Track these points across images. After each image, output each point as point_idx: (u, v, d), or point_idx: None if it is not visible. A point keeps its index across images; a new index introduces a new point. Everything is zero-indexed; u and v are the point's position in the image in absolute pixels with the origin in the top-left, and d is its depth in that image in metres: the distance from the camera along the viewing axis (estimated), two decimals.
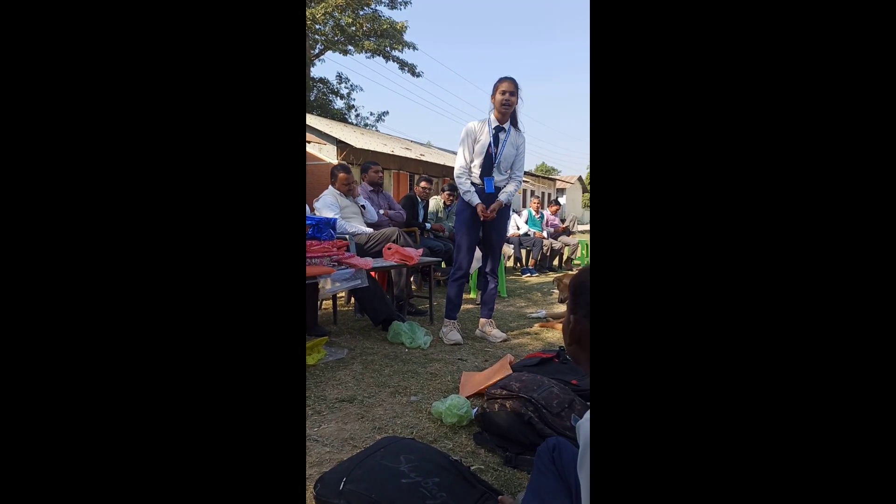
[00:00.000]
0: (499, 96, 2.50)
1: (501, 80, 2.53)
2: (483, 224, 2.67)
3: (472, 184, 2.61)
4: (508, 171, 2.66)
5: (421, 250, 3.04)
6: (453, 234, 3.46)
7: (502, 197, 2.71)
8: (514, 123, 2.63)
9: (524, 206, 11.78)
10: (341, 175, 3.27)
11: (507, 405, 1.43)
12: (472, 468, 1.25)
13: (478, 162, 2.59)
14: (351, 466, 1.04)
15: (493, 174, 2.60)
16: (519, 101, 2.55)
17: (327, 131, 9.97)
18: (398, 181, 11.52)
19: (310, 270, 2.19)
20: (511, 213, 5.52)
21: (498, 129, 2.58)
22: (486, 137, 2.58)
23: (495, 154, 2.57)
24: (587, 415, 0.63)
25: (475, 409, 1.56)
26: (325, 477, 1.03)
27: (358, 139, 10.74)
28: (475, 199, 2.58)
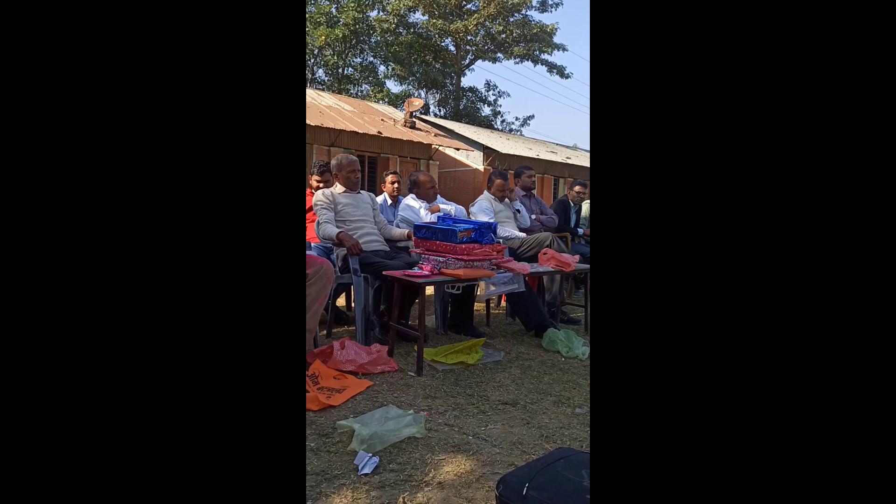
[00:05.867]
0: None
1: None
2: None
3: None
4: None
5: (577, 257, 2.95)
6: None
7: None
8: None
9: None
10: (497, 181, 3.34)
11: None
12: None
13: None
14: (532, 473, 1.04)
15: None
16: None
17: (474, 138, 10.27)
18: (542, 185, 11.38)
19: (471, 273, 2.25)
20: None
21: None
22: None
23: None
24: None
25: None
26: (508, 479, 1.04)
27: (503, 144, 10.87)
28: None
